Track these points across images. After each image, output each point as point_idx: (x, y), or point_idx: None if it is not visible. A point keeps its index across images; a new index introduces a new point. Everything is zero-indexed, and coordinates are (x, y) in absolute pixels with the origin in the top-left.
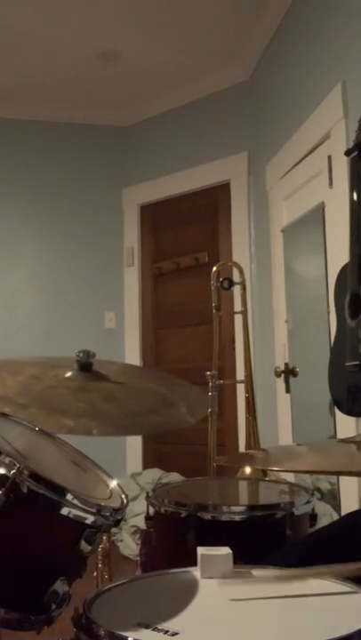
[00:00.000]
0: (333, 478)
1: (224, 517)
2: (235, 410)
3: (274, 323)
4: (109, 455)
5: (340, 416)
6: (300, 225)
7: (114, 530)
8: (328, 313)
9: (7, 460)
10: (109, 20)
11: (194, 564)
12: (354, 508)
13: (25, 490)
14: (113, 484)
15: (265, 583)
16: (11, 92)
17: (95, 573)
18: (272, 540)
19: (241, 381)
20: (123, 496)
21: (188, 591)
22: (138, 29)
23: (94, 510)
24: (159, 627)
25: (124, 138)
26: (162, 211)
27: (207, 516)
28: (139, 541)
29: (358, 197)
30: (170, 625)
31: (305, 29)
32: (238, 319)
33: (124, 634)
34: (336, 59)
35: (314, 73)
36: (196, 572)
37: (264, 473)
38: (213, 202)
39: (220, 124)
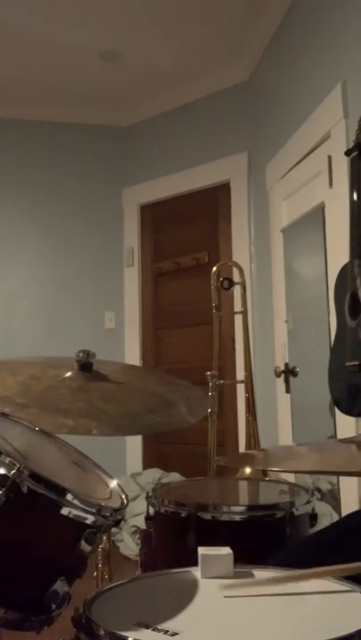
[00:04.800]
0: (333, 478)
1: (224, 517)
2: (235, 410)
3: (274, 323)
4: (109, 455)
5: (340, 416)
6: (300, 225)
7: (114, 530)
8: (328, 313)
9: (7, 459)
10: (109, 20)
11: (194, 563)
12: (354, 508)
13: (25, 490)
14: (113, 484)
15: (265, 583)
16: (11, 92)
17: (95, 573)
18: (272, 540)
19: (241, 381)
20: (123, 496)
21: (189, 591)
22: (138, 29)
23: (94, 510)
24: (159, 627)
25: (124, 138)
26: (162, 211)
27: (207, 516)
28: (139, 541)
29: (358, 197)
30: (170, 625)
31: (305, 29)
32: (238, 319)
33: (124, 634)
34: (336, 59)
35: (314, 73)
36: (196, 572)
37: (264, 473)
38: (213, 202)
39: (220, 124)
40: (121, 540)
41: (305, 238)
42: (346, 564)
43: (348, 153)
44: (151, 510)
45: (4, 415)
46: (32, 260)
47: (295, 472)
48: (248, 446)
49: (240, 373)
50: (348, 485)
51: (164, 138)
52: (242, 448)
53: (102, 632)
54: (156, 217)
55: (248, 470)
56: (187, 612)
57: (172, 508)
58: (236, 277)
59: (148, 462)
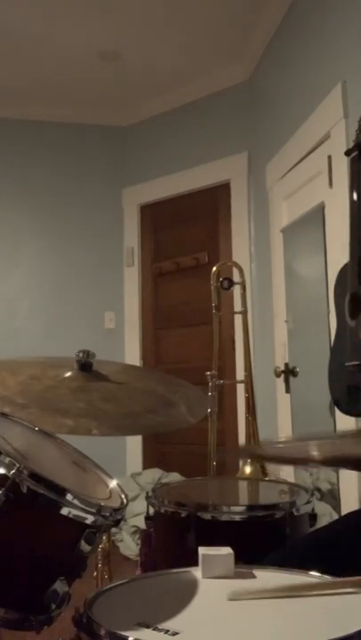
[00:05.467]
0: (333, 478)
1: (224, 517)
2: (235, 410)
3: (274, 323)
4: (109, 455)
5: (340, 416)
6: (300, 225)
7: (114, 530)
8: (328, 313)
9: (7, 459)
10: (109, 20)
11: (194, 564)
12: (354, 507)
13: (25, 490)
14: (113, 483)
15: (265, 583)
16: (11, 92)
17: (95, 573)
18: (272, 540)
19: (241, 381)
20: (123, 496)
21: (189, 591)
22: (138, 29)
23: (94, 510)
24: (160, 626)
25: (124, 138)
26: (162, 211)
27: (207, 516)
28: (139, 541)
29: (358, 197)
30: (170, 625)
31: (305, 29)
32: (238, 319)
33: (125, 633)
34: (336, 59)
35: (314, 73)
36: (196, 571)
37: (264, 472)
38: (213, 202)
39: (220, 124)
40: (121, 540)
41: (305, 238)
42: (345, 562)
43: (348, 153)
44: (151, 510)
45: (4, 415)
46: (32, 260)
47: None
48: None
49: (240, 373)
50: (347, 485)
51: (164, 138)
52: None
53: (103, 632)
54: (156, 217)
55: (248, 470)
56: (187, 612)
57: (172, 508)
58: (236, 277)
59: (148, 462)
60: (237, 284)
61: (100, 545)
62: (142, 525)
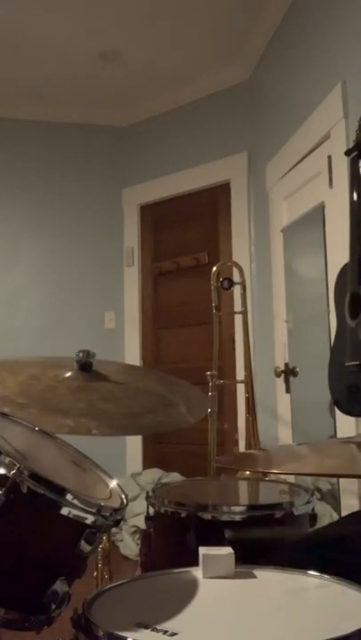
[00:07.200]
0: (333, 478)
1: (224, 517)
2: (235, 410)
3: (274, 323)
4: (109, 455)
5: (340, 416)
6: (300, 225)
7: (114, 530)
8: (328, 313)
9: (7, 460)
10: (109, 20)
11: (194, 563)
12: (354, 508)
13: (25, 490)
14: (113, 483)
15: (265, 583)
16: (11, 92)
17: (95, 573)
18: (272, 540)
19: (241, 381)
20: (123, 496)
21: (188, 591)
22: (138, 29)
23: (94, 510)
24: (158, 627)
25: (124, 138)
26: (162, 211)
27: (207, 516)
28: (139, 541)
29: (358, 197)
30: (169, 625)
31: (305, 29)
32: (238, 319)
33: (123, 634)
34: (336, 59)
35: (314, 73)
36: (196, 571)
37: (264, 473)
38: (213, 202)
39: (220, 124)
40: (121, 540)
41: (305, 238)
42: (345, 562)
43: (348, 153)
44: (151, 510)
45: (4, 415)
46: (32, 260)
47: (296, 474)
48: (248, 446)
49: (240, 373)
50: (348, 485)
51: (164, 138)
52: (242, 448)
53: (101, 632)
54: (156, 217)
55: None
56: (186, 612)
57: (172, 507)
58: (236, 277)
59: (148, 462)
60: (237, 284)
61: (100, 545)
62: (142, 525)
